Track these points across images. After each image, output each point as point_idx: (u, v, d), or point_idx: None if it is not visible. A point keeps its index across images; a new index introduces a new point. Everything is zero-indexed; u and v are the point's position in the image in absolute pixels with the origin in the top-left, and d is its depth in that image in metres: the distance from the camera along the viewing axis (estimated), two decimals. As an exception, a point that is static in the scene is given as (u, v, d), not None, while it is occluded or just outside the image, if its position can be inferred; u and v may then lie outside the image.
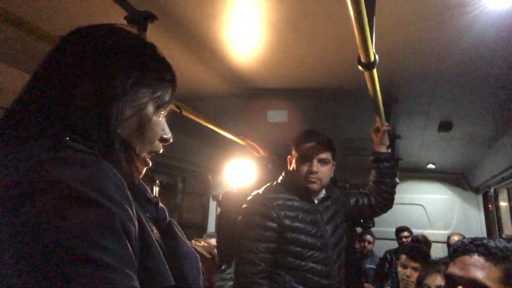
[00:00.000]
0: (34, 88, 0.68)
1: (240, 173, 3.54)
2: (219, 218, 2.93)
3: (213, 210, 4.67)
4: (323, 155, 2.03)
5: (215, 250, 3.07)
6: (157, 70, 0.74)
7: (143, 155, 0.75)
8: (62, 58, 0.69)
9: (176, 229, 0.82)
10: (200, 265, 0.81)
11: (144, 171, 0.78)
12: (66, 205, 0.52)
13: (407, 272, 2.54)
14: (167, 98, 0.76)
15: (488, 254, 1.12)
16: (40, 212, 0.51)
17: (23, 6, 1.47)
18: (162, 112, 0.77)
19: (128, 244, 0.57)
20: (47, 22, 1.57)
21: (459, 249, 1.19)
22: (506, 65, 1.94)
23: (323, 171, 2.02)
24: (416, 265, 2.50)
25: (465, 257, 1.15)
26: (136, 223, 0.62)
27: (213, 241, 3.46)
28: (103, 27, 0.74)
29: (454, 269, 1.16)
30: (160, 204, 0.83)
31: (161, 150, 0.79)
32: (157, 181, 2.48)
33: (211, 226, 4.62)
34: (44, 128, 0.62)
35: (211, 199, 4.62)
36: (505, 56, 1.82)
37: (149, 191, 0.82)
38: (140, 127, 0.72)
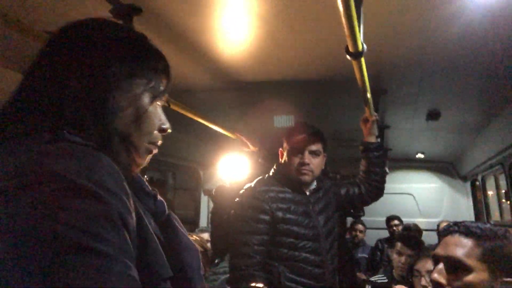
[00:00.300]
0: (29, 84, 0.68)
1: (233, 168, 3.53)
2: (213, 212, 2.92)
3: (204, 205, 4.66)
4: (314, 147, 2.04)
5: (208, 244, 3.07)
6: (150, 60, 0.74)
7: (143, 146, 0.75)
8: (54, 54, 0.69)
9: (175, 222, 0.82)
10: (200, 256, 0.81)
11: (146, 160, 0.78)
12: (63, 196, 0.52)
13: (402, 259, 2.59)
14: (162, 88, 0.76)
15: (468, 232, 1.16)
16: (37, 204, 0.51)
17: (6, 1, 1.44)
18: (158, 102, 0.77)
19: (127, 234, 0.57)
20: (30, 16, 1.54)
21: (444, 231, 1.25)
22: (492, 54, 1.95)
23: (315, 162, 2.04)
24: (411, 252, 2.54)
25: (447, 237, 1.21)
26: (134, 215, 0.62)
27: (205, 236, 3.45)
28: (92, 21, 0.74)
29: (437, 249, 1.22)
30: (159, 197, 0.83)
31: (160, 141, 0.79)
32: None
33: (203, 221, 4.62)
34: (41, 122, 0.63)
35: (202, 194, 4.62)
36: (492, 44, 1.84)
37: (146, 183, 0.82)
38: (137, 118, 0.71)
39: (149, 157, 0.78)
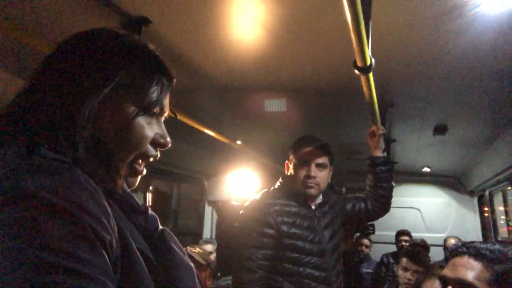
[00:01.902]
0: (18, 97, 0.67)
1: (240, 183, 3.50)
2: (218, 227, 2.91)
3: (208, 216, 4.64)
4: (320, 160, 2.02)
5: (210, 257, 3.04)
6: (139, 68, 0.70)
7: (129, 160, 0.71)
8: (40, 66, 0.68)
9: (169, 239, 0.78)
10: (196, 275, 0.77)
11: (136, 179, 0.75)
12: (38, 216, 0.51)
13: (408, 275, 2.54)
14: (154, 97, 0.71)
15: (478, 255, 1.14)
16: (9, 223, 0.50)
17: (19, 13, 1.45)
18: (153, 113, 0.72)
19: (105, 253, 0.55)
20: (41, 27, 1.55)
21: (453, 251, 1.22)
22: (500, 69, 1.94)
23: (321, 176, 2.02)
24: (417, 268, 2.50)
25: (456, 258, 1.18)
26: (116, 234, 0.60)
27: (208, 247, 3.43)
28: (86, 32, 0.71)
29: (446, 271, 1.19)
30: (151, 212, 0.79)
31: (155, 156, 0.74)
32: (150, 188, 2.46)
33: (207, 232, 4.59)
34: (16, 135, 0.61)
35: (206, 205, 4.60)
36: (500, 59, 1.83)
37: (136, 199, 0.78)
38: (120, 130, 0.68)
39: (135, 179, 0.74)
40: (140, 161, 0.74)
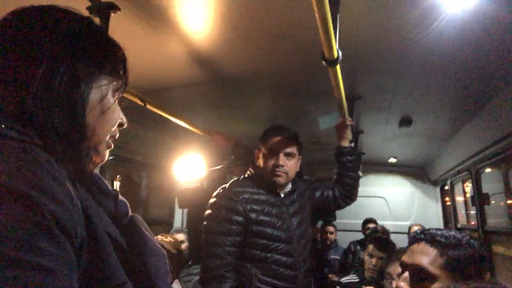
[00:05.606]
0: None
1: (190, 168, 3.49)
2: (189, 213, 2.91)
3: (179, 205, 4.62)
4: (289, 149, 2.07)
5: (181, 246, 3.05)
6: (112, 54, 0.73)
7: (105, 141, 0.74)
8: (11, 38, 0.64)
9: (140, 225, 0.78)
10: (168, 261, 0.78)
11: (106, 156, 0.76)
12: None
13: (373, 261, 2.64)
14: (120, 82, 0.75)
15: (433, 241, 1.19)
16: None
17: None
18: (116, 96, 0.76)
19: (66, 241, 0.51)
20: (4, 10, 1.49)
21: (412, 238, 1.28)
22: (463, 64, 2.03)
23: (289, 164, 2.06)
24: (382, 255, 2.60)
25: (414, 245, 1.24)
26: (81, 217, 0.57)
27: (180, 236, 3.44)
28: (53, 8, 0.72)
29: (404, 257, 1.25)
30: (121, 198, 0.79)
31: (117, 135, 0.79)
32: (118, 176, 2.43)
33: (178, 221, 4.57)
34: None
35: (177, 194, 4.57)
36: (463, 54, 1.91)
37: (105, 182, 0.79)
38: (103, 112, 0.70)
39: (108, 151, 0.76)
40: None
